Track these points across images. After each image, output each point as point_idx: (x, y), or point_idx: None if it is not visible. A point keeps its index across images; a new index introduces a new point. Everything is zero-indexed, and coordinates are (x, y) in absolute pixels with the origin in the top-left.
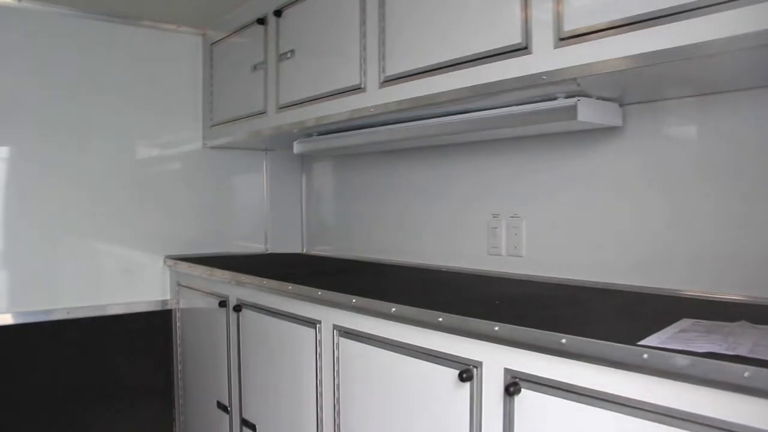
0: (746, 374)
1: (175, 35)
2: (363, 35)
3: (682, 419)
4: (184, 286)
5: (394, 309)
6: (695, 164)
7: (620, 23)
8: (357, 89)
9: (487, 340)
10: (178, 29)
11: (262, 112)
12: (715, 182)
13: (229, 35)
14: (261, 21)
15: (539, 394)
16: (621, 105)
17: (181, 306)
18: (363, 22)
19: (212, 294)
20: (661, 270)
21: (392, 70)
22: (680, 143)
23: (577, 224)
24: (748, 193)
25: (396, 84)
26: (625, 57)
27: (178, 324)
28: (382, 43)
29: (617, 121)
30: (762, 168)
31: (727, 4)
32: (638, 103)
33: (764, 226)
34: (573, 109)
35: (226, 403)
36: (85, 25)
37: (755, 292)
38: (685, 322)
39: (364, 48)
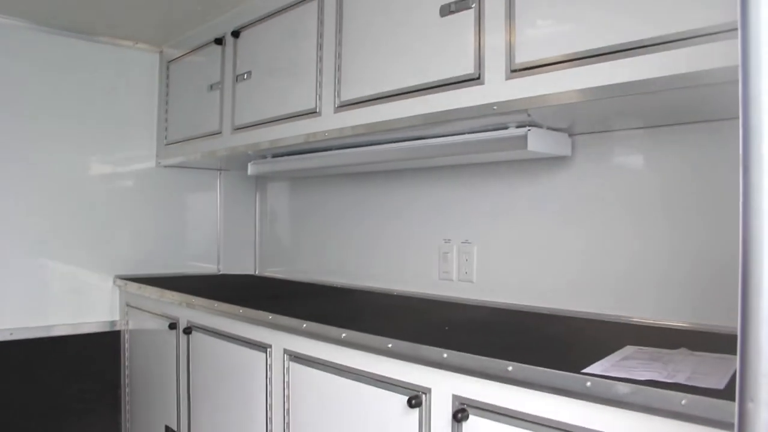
0: (683, 402)
1: (132, 52)
2: (319, 59)
3: None
4: (134, 307)
5: (344, 335)
6: (641, 194)
7: (570, 57)
8: (312, 113)
9: (436, 367)
10: (134, 46)
11: (218, 133)
12: (660, 212)
13: (186, 54)
14: (219, 41)
15: (487, 420)
16: (570, 135)
17: (130, 327)
18: (320, 47)
19: (162, 316)
20: (607, 296)
21: (348, 95)
22: (627, 173)
23: (527, 250)
24: (690, 222)
25: (351, 109)
26: (575, 90)
27: (126, 346)
28: (338, 68)
29: (566, 151)
30: (704, 198)
31: (672, 44)
32: (587, 133)
33: (704, 255)
34: (523, 138)
35: (175, 428)
36: (38, 38)
37: (695, 319)
38: (628, 350)
39: (320, 72)
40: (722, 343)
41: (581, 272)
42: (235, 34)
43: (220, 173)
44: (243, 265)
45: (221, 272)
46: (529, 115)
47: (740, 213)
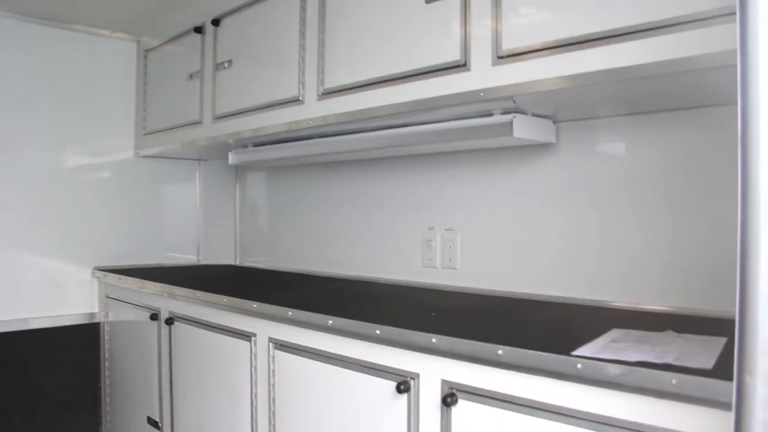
0: (674, 381)
1: (109, 41)
2: (302, 47)
3: (615, 426)
4: (114, 299)
5: (331, 321)
6: (625, 180)
7: (556, 44)
8: (295, 101)
9: (424, 352)
10: (112, 35)
11: (198, 122)
12: (643, 198)
13: (164, 43)
14: (198, 30)
15: (476, 404)
16: (555, 122)
17: (110, 319)
18: (303, 35)
19: (143, 307)
20: (591, 282)
21: (331, 83)
22: (611, 160)
23: (511, 237)
24: (672, 208)
25: (335, 97)
26: (560, 77)
27: (106, 338)
28: (321, 56)
29: (551, 138)
30: (685, 185)
31: (656, 30)
32: (572, 120)
33: (688, 240)
34: (509, 125)
35: (157, 419)
36: (12, 27)
37: (679, 303)
38: (615, 333)
39: (303, 60)
40: (705, 325)
41: (565, 258)
42: (216, 22)
43: (200, 163)
44: (223, 255)
45: (201, 263)
46: (514, 102)
47: (739, 192)
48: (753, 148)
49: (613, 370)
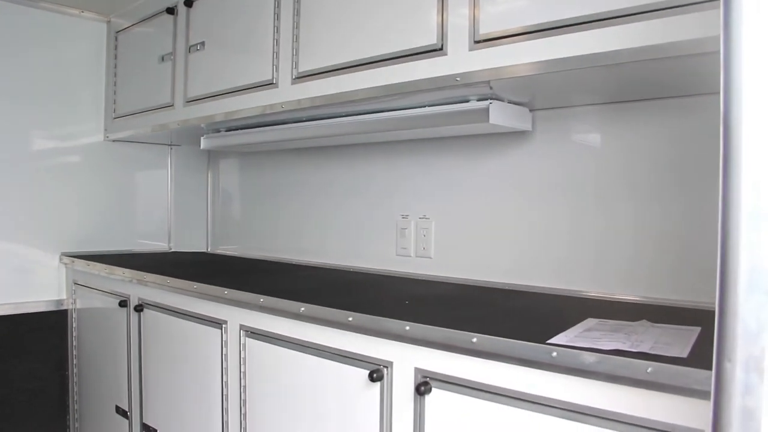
0: (649, 369)
1: (78, 20)
2: (276, 30)
3: (590, 415)
4: (82, 285)
5: (302, 308)
6: (598, 170)
7: (534, 29)
8: (269, 84)
9: (397, 340)
10: (81, 14)
11: (169, 105)
12: (616, 188)
13: (135, 24)
14: (170, 11)
15: (450, 393)
16: (531, 110)
17: (78, 306)
18: (277, 17)
19: (112, 293)
20: (565, 271)
21: (306, 66)
22: (585, 149)
23: (486, 226)
24: (645, 199)
25: (309, 81)
26: (537, 62)
27: (74, 325)
28: (296, 38)
29: (527, 126)
30: (659, 175)
31: (634, 16)
32: (548, 108)
33: (660, 231)
34: (485, 111)
35: (126, 408)
36: None
37: (653, 293)
38: (590, 322)
39: (277, 43)
40: (679, 315)
41: (539, 248)
42: (188, 3)
43: (171, 149)
44: (195, 242)
45: (172, 250)
46: (491, 88)
47: (720, 180)
48: (735, 136)
49: (588, 358)
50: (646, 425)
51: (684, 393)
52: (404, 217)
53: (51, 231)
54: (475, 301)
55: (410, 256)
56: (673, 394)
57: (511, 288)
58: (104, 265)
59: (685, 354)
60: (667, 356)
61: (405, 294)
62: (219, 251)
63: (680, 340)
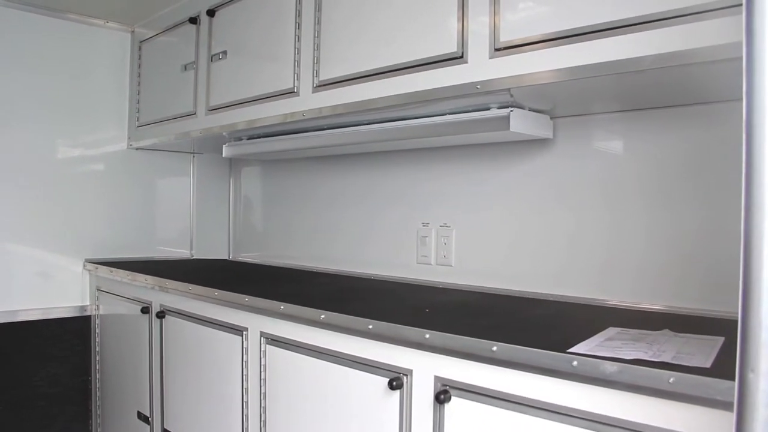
0: (671, 380)
1: (103, 31)
2: (298, 39)
3: (611, 425)
4: (105, 292)
5: (323, 316)
6: (621, 177)
7: (554, 36)
8: (290, 93)
9: (417, 348)
10: (105, 24)
11: (192, 114)
12: (639, 196)
13: (159, 33)
14: (193, 20)
15: (469, 401)
16: (552, 118)
17: (101, 312)
18: (298, 26)
19: (134, 300)
20: (587, 280)
21: (327, 74)
22: (607, 157)
23: (507, 234)
24: (671, 206)
25: (330, 89)
26: (558, 69)
27: (97, 331)
28: (317, 47)
29: (548, 133)
30: (683, 182)
31: (655, 23)
32: (569, 116)
33: (684, 239)
34: (506, 119)
35: (147, 414)
36: (6, 14)
37: (675, 303)
38: (611, 331)
39: (298, 51)
40: (701, 325)
41: (561, 256)
42: (211, 12)
43: (194, 156)
44: (216, 249)
45: (194, 257)
46: (511, 96)
47: (743, 189)
48: (757, 142)
49: (609, 368)
50: None
51: (706, 404)
52: (425, 225)
53: (75, 238)
54: (495, 309)
55: (431, 264)
56: (696, 405)
57: (532, 296)
58: (127, 272)
59: (708, 364)
60: (690, 366)
61: (425, 302)
62: (240, 258)
63: (703, 350)
